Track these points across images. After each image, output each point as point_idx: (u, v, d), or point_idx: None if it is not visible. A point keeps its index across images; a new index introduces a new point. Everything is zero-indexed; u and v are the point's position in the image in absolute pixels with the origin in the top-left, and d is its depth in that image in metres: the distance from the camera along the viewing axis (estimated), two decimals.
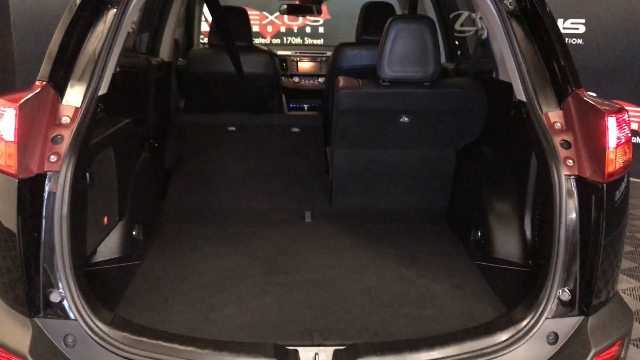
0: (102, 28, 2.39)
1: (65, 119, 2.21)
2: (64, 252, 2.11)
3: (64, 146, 2.15)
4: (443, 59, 4.29)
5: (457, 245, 3.19)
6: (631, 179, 2.36)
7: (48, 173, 2.12)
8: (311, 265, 2.92)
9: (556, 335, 2.19)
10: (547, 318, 2.18)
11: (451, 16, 4.59)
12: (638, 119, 6.65)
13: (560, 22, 6.72)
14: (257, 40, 7.09)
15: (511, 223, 2.84)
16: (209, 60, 4.74)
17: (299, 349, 2.14)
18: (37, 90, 2.18)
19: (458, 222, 3.40)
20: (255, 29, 7.98)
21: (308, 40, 8.20)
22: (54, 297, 2.12)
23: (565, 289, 2.20)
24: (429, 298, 2.61)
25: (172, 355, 2.06)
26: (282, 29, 8.27)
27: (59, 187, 2.11)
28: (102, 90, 2.35)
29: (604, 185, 2.15)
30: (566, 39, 6.50)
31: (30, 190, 2.09)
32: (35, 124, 2.14)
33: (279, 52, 5.94)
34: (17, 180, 2.06)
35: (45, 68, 2.25)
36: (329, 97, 4.30)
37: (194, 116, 4.69)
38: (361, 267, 2.92)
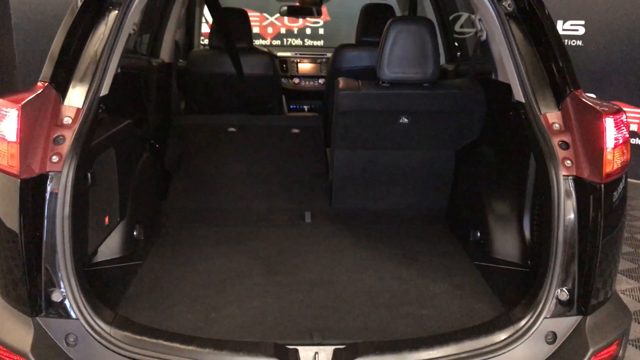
0: (103, 29, 2.40)
1: (67, 120, 2.22)
2: (65, 252, 2.12)
3: (65, 147, 2.16)
4: (442, 60, 4.30)
5: (456, 245, 3.20)
6: (630, 180, 2.37)
7: (50, 173, 2.13)
8: (311, 265, 2.94)
9: (554, 335, 2.20)
10: (545, 318, 2.19)
11: (451, 18, 4.59)
12: (637, 120, 6.66)
13: (559, 23, 6.73)
14: (257, 42, 7.11)
15: (510, 223, 2.85)
16: (209, 61, 4.74)
17: (299, 348, 2.15)
18: (39, 91, 2.20)
19: (457, 222, 3.41)
20: (255, 30, 7.99)
21: (308, 42, 8.20)
22: (56, 297, 2.13)
23: (564, 289, 2.21)
24: (428, 298, 2.62)
25: (173, 355, 2.07)
26: (282, 31, 8.28)
27: (60, 188, 2.12)
28: (104, 91, 2.36)
29: (602, 185, 2.16)
30: (566, 41, 6.56)
31: (32, 190, 2.10)
32: (37, 124, 2.15)
33: (279, 54, 5.94)
34: (19, 181, 2.07)
35: (47, 69, 2.26)
36: (329, 98, 4.30)
37: (195, 117, 4.70)
38: (361, 267, 2.93)
